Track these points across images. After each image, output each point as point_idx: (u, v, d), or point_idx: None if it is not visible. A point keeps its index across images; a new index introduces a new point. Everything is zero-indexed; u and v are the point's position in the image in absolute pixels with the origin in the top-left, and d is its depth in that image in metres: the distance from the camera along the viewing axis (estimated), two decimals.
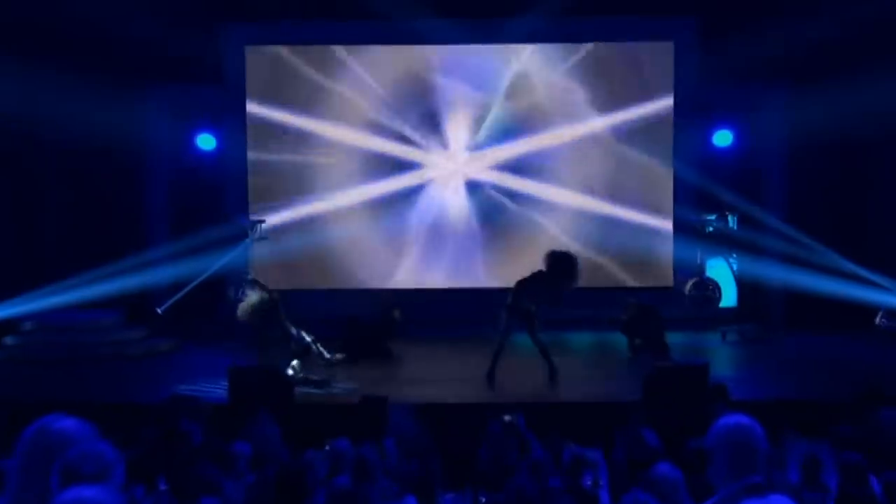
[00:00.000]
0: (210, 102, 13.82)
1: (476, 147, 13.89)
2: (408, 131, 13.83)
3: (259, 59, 13.85)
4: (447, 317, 12.90)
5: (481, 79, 13.77)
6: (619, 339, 11.72)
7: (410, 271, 13.91)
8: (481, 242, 13.82)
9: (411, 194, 13.92)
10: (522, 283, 9.85)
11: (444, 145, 13.90)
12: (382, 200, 13.91)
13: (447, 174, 13.95)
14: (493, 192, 13.89)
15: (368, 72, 13.79)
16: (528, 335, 9.93)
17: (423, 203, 13.94)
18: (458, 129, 13.85)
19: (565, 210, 13.83)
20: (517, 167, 13.88)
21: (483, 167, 13.91)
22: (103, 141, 12.36)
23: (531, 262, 10.47)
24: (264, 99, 13.86)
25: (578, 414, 8.37)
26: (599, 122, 13.78)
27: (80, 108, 11.93)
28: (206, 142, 13.90)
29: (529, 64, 13.80)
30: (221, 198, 13.91)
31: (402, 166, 13.87)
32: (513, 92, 13.78)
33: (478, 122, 13.83)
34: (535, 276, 9.87)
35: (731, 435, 3.34)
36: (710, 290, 13.32)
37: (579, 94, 13.76)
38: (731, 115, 13.70)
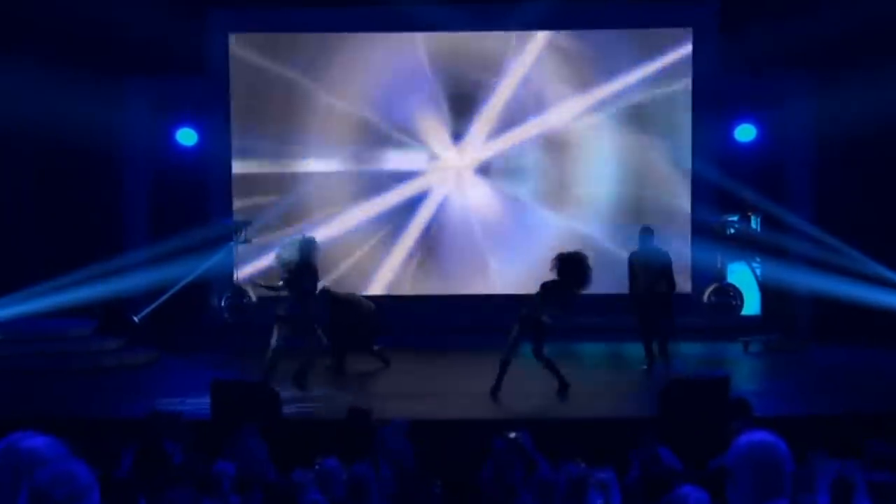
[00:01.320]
0: (191, 94, 13.85)
1: (477, 143, 13.90)
2: (404, 126, 13.85)
3: (245, 47, 13.86)
4: (446, 326, 12.91)
5: (485, 69, 13.79)
6: (634, 350, 11.72)
7: (407, 277, 13.91)
8: (483, 246, 13.82)
9: (408, 192, 13.92)
10: (540, 293, 9.85)
11: (444, 141, 13.91)
12: (377, 200, 13.92)
13: (447, 172, 13.96)
14: (496, 192, 13.91)
15: (361, 62, 13.81)
16: (532, 349, 9.94)
17: (423, 202, 13.95)
18: (458, 124, 13.87)
19: (574, 210, 13.84)
20: (522, 164, 13.89)
21: (485, 164, 13.93)
22: (75, 136, 12.36)
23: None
24: (250, 90, 13.88)
25: (589, 431, 8.37)
26: (612, 116, 13.80)
27: (50, 100, 11.95)
28: (186, 137, 13.91)
29: (537, 54, 13.80)
30: (204, 197, 13.92)
31: (398, 164, 13.89)
32: (519, 84, 13.79)
33: (480, 116, 13.84)
34: (551, 285, 9.86)
35: (754, 454, 3.33)
36: (731, 296, 13.33)
37: (590, 86, 13.78)
38: (754, 107, 13.71)
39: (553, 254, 10.17)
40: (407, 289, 13.83)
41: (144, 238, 13.67)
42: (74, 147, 12.82)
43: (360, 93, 13.83)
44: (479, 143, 13.91)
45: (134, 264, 13.28)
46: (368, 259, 13.86)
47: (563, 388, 9.80)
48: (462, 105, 13.82)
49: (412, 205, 13.92)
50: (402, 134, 13.86)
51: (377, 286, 13.79)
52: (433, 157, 13.93)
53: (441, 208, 13.97)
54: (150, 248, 13.34)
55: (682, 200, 13.79)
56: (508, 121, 13.85)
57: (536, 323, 9.78)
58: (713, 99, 13.61)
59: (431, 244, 13.90)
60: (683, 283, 13.71)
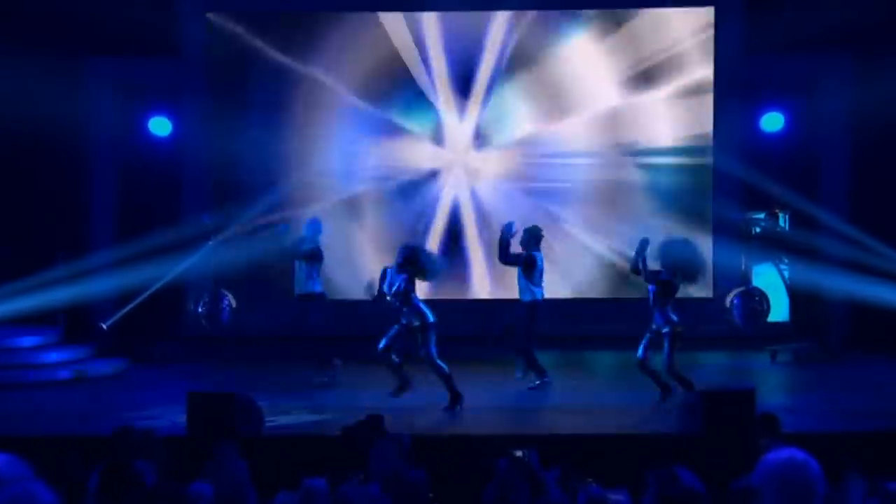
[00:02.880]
0: (165, 79, 13.84)
1: (480, 133, 13.91)
2: (395, 115, 13.85)
3: (223, 27, 13.85)
4: (444, 333, 12.88)
5: (485, 52, 13.79)
6: (650, 360, 11.70)
7: None
8: (487, 246, 13.79)
9: (403, 189, 13.93)
10: None
11: (440, 131, 13.92)
12: (370, 197, 13.92)
13: (445, 166, 13.96)
14: (500, 187, 13.91)
15: (349, 44, 13.81)
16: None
17: (418, 200, 13.95)
18: (456, 111, 13.88)
19: (584, 206, 13.84)
20: (529, 156, 13.89)
21: (489, 157, 13.94)
22: (33, 125, 12.37)
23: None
24: (229, 75, 13.87)
25: (602, 448, 8.37)
26: (625, 104, 13.79)
27: (8, 85, 11.93)
28: (159, 126, 13.90)
29: (540, 34, 13.81)
30: (179, 192, 13.92)
31: (390, 156, 13.89)
32: (523, 68, 13.80)
33: (482, 103, 13.86)
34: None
35: (782, 473, 3.33)
36: (757, 301, 13.33)
37: (601, 70, 13.78)
38: (782, 94, 13.72)
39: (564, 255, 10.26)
40: None
41: (113, 237, 13.66)
42: (33, 138, 12.83)
43: (351, 77, 13.82)
44: (485, 132, 13.90)
45: (101, 266, 13.27)
46: (363, 260, 13.83)
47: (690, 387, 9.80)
48: (463, 90, 13.81)
49: (408, 202, 13.91)
50: (399, 123, 13.86)
51: (370, 292, 13.75)
52: (435, 147, 13.93)
53: (443, 203, 13.96)
54: (120, 248, 13.32)
55: (703, 196, 13.78)
56: (519, 108, 13.83)
57: None
58: (737, 84, 13.61)
59: (431, 245, 13.87)
60: (705, 288, 13.72)
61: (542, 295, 10.80)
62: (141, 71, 13.73)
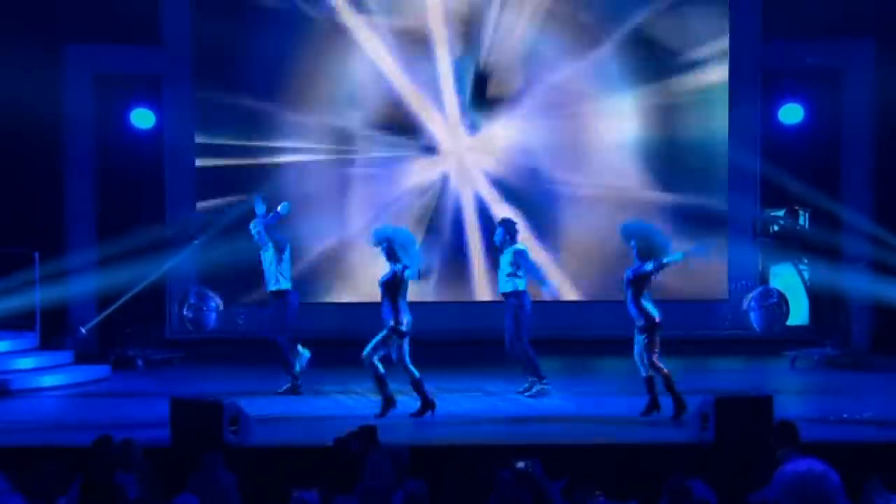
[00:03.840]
0: (147, 68, 13.84)
1: (483, 126, 13.93)
2: (397, 103, 13.87)
3: (211, 11, 13.84)
4: (440, 338, 12.89)
5: (495, 39, 13.80)
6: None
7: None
8: (486, 245, 13.80)
9: (400, 183, 13.95)
10: None
11: (444, 123, 13.93)
12: (366, 192, 13.92)
13: (445, 159, 13.98)
14: (503, 183, 13.93)
15: (349, 28, 13.81)
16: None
17: (416, 195, 13.96)
18: (458, 103, 13.89)
19: (594, 202, 13.85)
20: (534, 151, 13.90)
21: (492, 150, 13.95)
22: (10, 117, 12.38)
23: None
24: (217, 64, 13.87)
25: (610, 459, 8.38)
26: (637, 96, 13.80)
27: None
28: (142, 118, 13.89)
29: (547, 24, 13.82)
30: (162, 189, 13.92)
31: (388, 148, 13.90)
32: (527, 57, 13.82)
33: (486, 94, 13.87)
34: None
35: (799, 485, 3.36)
36: (775, 303, 13.34)
37: (611, 61, 13.78)
38: (801, 83, 13.71)
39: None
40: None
41: (92, 236, 13.67)
42: (6, 131, 12.84)
43: (348, 65, 13.81)
44: (494, 122, 13.91)
45: (80, 267, 13.27)
46: (356, 261, 13.83)
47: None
48: (474, 79, 13.82)
49: (405, 197, 13.92)
50: (401, 113, 13.86)
51: (364, 294, 13.76)
52: (440, 140, 13.94)
53: (440, 201, 13.97)
54: (100, 247, 13.34)
55: (718, 192, 13.78)
56: (524, 98, 13.84)
57: None
58: (753, 73, 13.61)
59: (430, 244, 13.86)
60: (720, 289, 13.73)
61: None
62: (122, 59, 13.72)
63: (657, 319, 9.56)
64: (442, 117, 13.94)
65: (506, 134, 13.94)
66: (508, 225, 10.98)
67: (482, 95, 13.89)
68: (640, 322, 9.61)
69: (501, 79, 13.89)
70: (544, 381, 10.78)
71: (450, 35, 13.82)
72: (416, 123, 13.94)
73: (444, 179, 14.01)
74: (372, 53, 13.85)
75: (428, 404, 9.81)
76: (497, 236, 10.94)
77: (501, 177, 13.95)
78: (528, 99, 13.86)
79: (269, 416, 9.82)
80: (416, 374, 9.82)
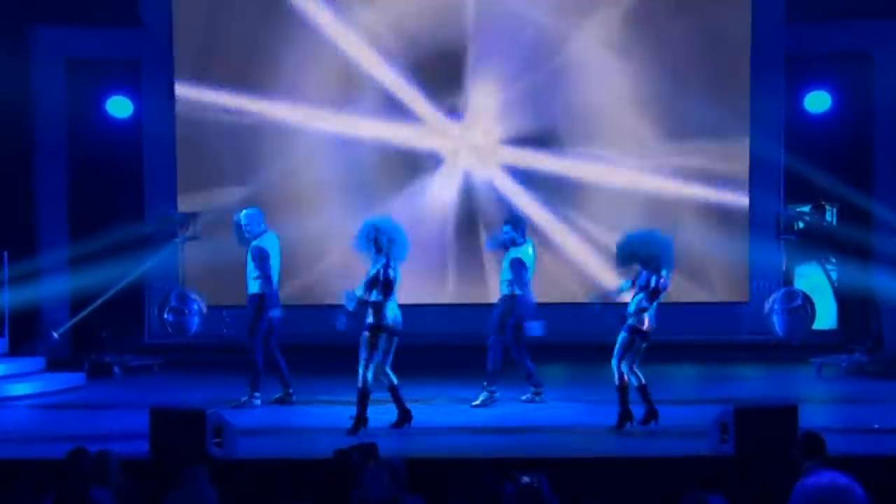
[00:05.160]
0: (125, 53, 13.84)
1: (490, 117, 13.95)
2: (395, 90, 13.89)
3: None
4: (442, 343, 12.92)
5: (499, 32, 13.85)
6: (677, 372, 11.75)
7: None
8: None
9: (399, 178, 13.97)
10: None
11: (448, 114, 13.95)
12: (361, 188, 13.93)
13: (448, 153, 14.00)
14: (508, 180, 13.96)
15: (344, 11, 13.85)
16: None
17: (416, 193, 13.97)
18: (465, 90, 13.92)
19: (606, 198, 13.86)
20: (543, 143, 13.92)
21: (498, 144, 13.98)
22: None
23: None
24: (200, 49, 13.87)
25: (622, 473, 8.40)
26: (653, 83, 13.81)
27: None
28: (119, 106, 13.92)
29: (561, 11, 13.85)
30: (140, 182, 13.93)
31: (386, 137, 13.92)
32: (538, 48, 13.84)
33: (492, 81, 13.90)
34: None
35: (820, 500, 3.36)
36: (799, 306, 13.35)
37: (626, 46, 13.79)
38: (828, 69, 13.72)
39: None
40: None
41: (64, 235, 13.68)
42: None
43: (345, 42, 13.84)
44: (506, 105, 13.96)
45: (52, 267, 13.29)
46: (353, 261, 13.83)
47: None
48: (462, 69, 13.85)
49: (405, 195, 13.93)
50: (394, 105, 13.89)
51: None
52: (435, 139, 13.97)
53: (442, 199, 13.99)
54: (73, 246, 13.35)
55: (739, 186, 13.79)
56: (536, 84, 13.88)
57: None
58: (777, 57, 13.61)
59: (430, 243, 13.88)
60: (740, 290, 13.74)
61: None
62: (97, 42, 13.73)
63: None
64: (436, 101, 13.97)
65: (505, 115, 13.95)
66: (516, 223, 10.99)
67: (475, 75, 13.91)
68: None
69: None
70: (493, 390, 10.82)
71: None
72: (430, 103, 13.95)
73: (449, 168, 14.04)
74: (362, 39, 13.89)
75: (405, 415, 9.84)
76: (503, 235, 10.94)
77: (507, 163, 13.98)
78: (527, 75, 13.86)
79: (256, 427, 9.83)
80: (395, 380, 9.84)
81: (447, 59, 13.85)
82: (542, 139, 13.90)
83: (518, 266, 10.75)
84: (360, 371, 9.59)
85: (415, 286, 13.80)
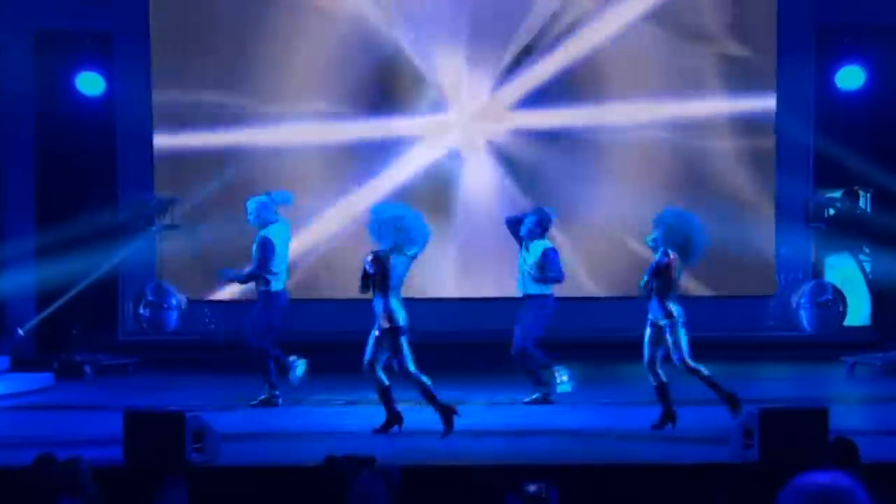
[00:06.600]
0: (96, 25, 13.83)
1: (494, 98, 13.96)
2: (390, 65, 13.89)
3: None
4: (443, 340, 12.91)
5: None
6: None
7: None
8: (498, 235, 13.80)
9: (395, 158, 13.97)
10: None
11: (466, 91, 13.98)
12: (355, 173, 13.94)
13: (448, 132, 14.02)
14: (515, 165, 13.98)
15: None
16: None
17: (417, 175, 13.98)
18: (464, 68, 13.92)
19: (619, 187, 13.87)
20: (553, 127, 13.93)
21: (502, 127, 13.99)
22: None
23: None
24: (178, 20, 13.86)
25: (639, 481, 8.40)
26: (670, 60, 13.81)
27: None
28: (90, 84, 13.88)
29: None
30: (114, 166, 13.92)
31: (380, 114, 13.93)
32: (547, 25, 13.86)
33: (498, 61, 13.91)
34: None
35: (814, 500, 3.32)
36: (829, 300, 13.35)
37: (641, 26, 13.80)
38: (861, 43, 13.71)
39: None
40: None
41: (31, 223, 13.68)
42: None
43: (339, 17, 13.84)
44: (512, 92, 13.96)
45: (17, 257, 13.28)
46: (349, 257, 13.85)
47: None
48: (493, 39, 13.86)
49: (403, 175, 13.94)
50: (387, 79, 13.89)
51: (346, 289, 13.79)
52: (433, 116, 13.98)
53: (443, 184, 14.00)
54: (39, 236, 13.34)
55: (764, 171, 13.78)
56: (549, 72, 13.90)
57: None
58: (806, 31, 13.60)
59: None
60: (765, 283, 13.73)
61: None
62: (66, 15, 13.70)
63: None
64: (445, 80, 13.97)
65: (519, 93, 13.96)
66: (542, 216, 10.97)
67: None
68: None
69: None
70: (546, 390, 10.88)
71: None
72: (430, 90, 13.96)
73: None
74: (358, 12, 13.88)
75: (395, 419, 9.85)
76: (524, 227, 10.92)
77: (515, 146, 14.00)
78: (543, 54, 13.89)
79: (240, 431, 9.84)
80: (385, 381, 9.85)
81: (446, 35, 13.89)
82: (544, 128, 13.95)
83: (549, 257, 10.79)
84: (409, 371, 9.70)
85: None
